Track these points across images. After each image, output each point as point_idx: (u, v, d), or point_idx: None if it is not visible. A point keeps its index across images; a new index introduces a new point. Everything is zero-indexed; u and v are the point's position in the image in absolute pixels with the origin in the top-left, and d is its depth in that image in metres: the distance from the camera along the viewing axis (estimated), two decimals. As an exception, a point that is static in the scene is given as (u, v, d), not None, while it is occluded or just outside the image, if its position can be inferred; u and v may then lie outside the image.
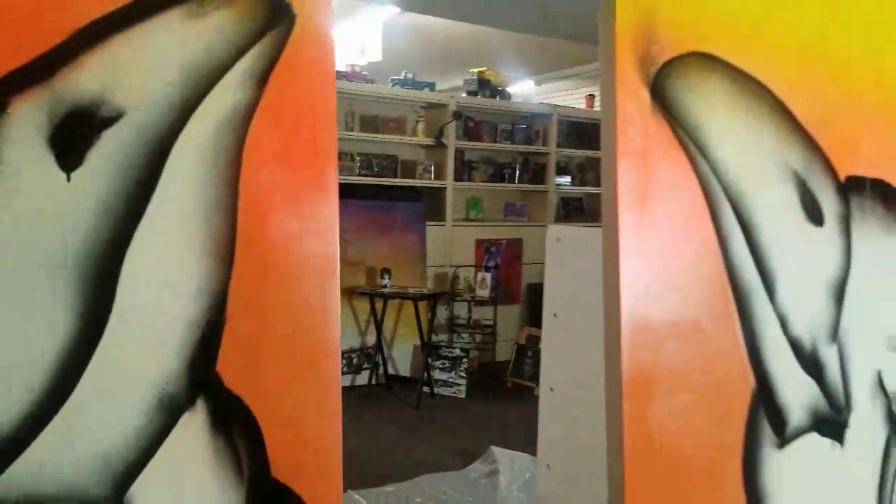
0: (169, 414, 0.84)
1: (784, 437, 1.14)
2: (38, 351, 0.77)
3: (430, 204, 5.40)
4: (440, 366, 4.85)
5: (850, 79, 1.24)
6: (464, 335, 5.26)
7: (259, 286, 0.91)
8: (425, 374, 4.71)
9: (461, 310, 5.32)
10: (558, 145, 6.09)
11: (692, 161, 1.01)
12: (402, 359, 5.06)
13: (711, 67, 1.04)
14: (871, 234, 1.31)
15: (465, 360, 4.89)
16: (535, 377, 4.02)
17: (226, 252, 0.88)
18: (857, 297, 1.27)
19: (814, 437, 1.19)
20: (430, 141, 5.37)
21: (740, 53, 1.07)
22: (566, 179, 6.36)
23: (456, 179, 5.54)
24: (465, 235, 5.56)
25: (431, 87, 5.65)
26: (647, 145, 0.95)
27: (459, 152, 5.61)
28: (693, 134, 1.01)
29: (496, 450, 3.56)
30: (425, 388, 4.69)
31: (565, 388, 1.40)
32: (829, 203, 1.23)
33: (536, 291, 5.73)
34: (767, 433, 1.11)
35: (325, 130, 0.97)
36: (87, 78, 0.79)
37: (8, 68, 0.76)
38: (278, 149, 0.93)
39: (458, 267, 5.38)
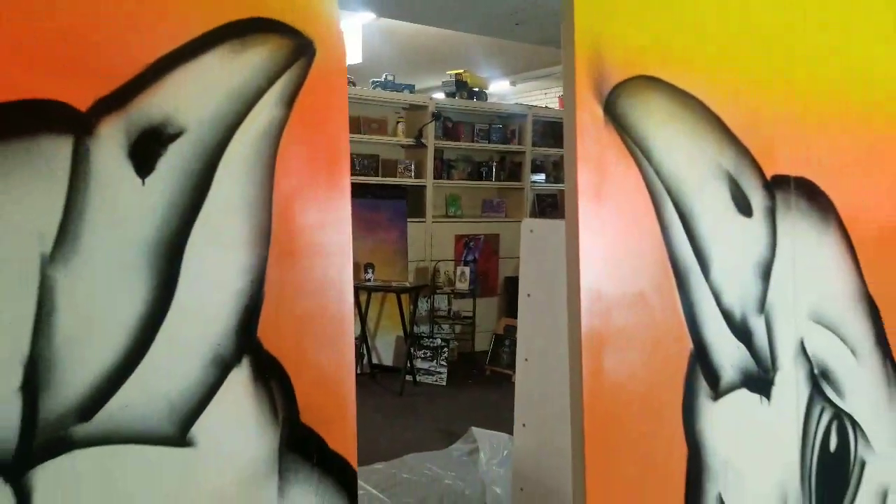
0: (221, 369, 1.06)
1: (718, 392, 1.38)
2: (124, 317, 0.98)
3: (410, 201, 5.62)
4: (422, 355, 5.08)
5: (771, 91, 1.48)
6: (444, 326, 5.49)
7: (289, 266, 1.12)
8: (408, 364, 4.93)
9: (441, 302, 5.55)
10: (533, 144, 6.34)
11: (638, 165, 1.24)
12: (385, 349, 5.28)
13: (654, 88, 1.28)
14: (794, 224, 1.56)
15: (445, 349, 5.12)
16: (513, 365, 4.26)
17: (263, 240, 1.10)
18: (782, 277, 1.52)
19: (744, 393, 1.43)
20: (410, 141, 5.59)
21: (678, 75, 1.31)
22: (541, 177, 6.61)
23: (435, 178, 5.76)
24: (445, 231, 5.79)
25: (411, 88, 5.86)
26: (600, 153, 1.18)
27: (438, 151, 5.82)
28: (639, 143, 1.24)
29: (476, 430, 3.79)
30: (408, 377, 4.91)
31: (538, 355, 1.63)
32: (757, 198, 1.48)
33: (513, 284, 5.96)
34: (703, 387, 1.35)
35: (339, 141, 1.19)
36: (156, 103, 1.00)
37: (96, 97, 0.96)
38: (303, 156, 1.14)
39: (439, 261, 5.60)
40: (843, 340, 1.63)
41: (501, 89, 9.38)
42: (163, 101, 1.01)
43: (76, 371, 0.95)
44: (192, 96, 1.03)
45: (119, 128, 0.98)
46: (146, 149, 1.00)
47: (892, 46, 1.71)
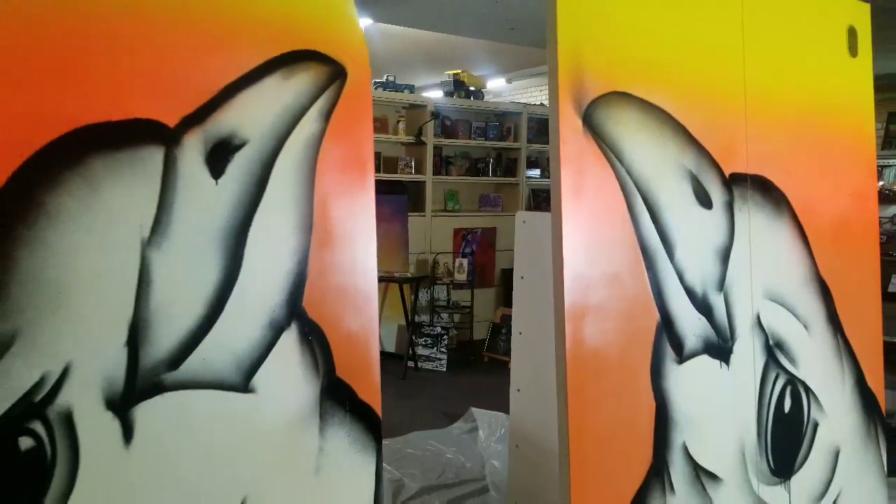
0: (275, 332, 1.32)
1: (682, 357, 1.64)
2: (203, 289, 1.23)
3: (411, 196, 5.87)
4: (423, 343, 5.34)
5: (726, 100, 1.74)
6: (444, 315, 5.75)
7: (326, 250, 1.38)
8: (410, 350, 5.19)
9: (441, 292, 5.80)
10: (528, 141, 6.59)
11: (612, 166, 1.50)
12: (388, 336, 5.54)
13: (625, 101, 1.54)
14: (750, 215, 1.82)
15: (445, 337, 5.38)
16: (509, 352, 4.52)
17: (307, 229, 1.35)
18: (739, 260, 1.78)
19: (705, 358, 1.70)
20: (410, 139, 5.83)
21: (645, 90, 1.57)
22: (536, 172, 6.86)
23: (434, 174, 6.01)
24: (444, 225, 6.04)
25: (411, 88, 6.11)
26: (580, 157, 1.44)
27: (437, 149, 6.07)
28: (612, 147, 1.50)
29: (475, 410, 4.06)
30: (410, 363, 5.18)
31: (529, 329, 1.89)
32: (716, 192, 1.74)
33: (510, 276, 6.21)
34: (669, 353, 1.61)
35: (365, 147, 1.45)
36: (226, 119, 1.26)
37: (181, 116, 1.22)
38: (337, 160, 1.40)
39: (438, 254, 5.86)
40: (796, 316, 1.89)
41: (497, 86, 9.61)
42: (231, 118, 1.26)
43: (167, 331, 1.21)
44: (253, 114, 1.29)
45: (198, 139, 1.24)
46: (218, 156, 1.26)
47: (824, 55, 1.98)
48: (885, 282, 4.50)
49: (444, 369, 5.29)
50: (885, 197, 5.94)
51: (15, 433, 1.11)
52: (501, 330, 5.56)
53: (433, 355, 5.33)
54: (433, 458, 3.55)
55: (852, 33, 2.06)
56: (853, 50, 2.06)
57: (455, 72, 6.26)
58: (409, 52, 7.45)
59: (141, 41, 1.21)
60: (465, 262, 5.80)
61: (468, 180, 6.41)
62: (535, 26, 4.54)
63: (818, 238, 1.92)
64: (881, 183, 6.17)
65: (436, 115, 5.85)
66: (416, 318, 5.44)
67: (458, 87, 6.21)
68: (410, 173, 5.89)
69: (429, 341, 5.34)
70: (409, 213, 5.74)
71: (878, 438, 2.06)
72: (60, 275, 1.13)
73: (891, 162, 6.32)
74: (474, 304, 5.86)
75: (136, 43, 1.19)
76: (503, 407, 3.21)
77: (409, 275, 5.43)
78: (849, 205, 2.00)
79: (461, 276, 5.75)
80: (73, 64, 1.14)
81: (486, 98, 6.89)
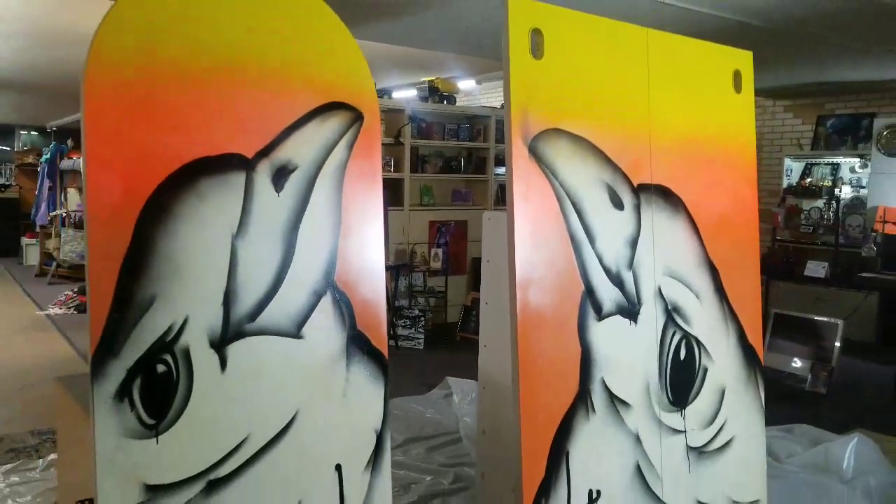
0: (317, 297, 1.92)
1: (601, 316, 2.28)
2: (270, 268, 1.83)
3: (390, 192, 6.46)
4: (403, 324, 5.94)
5: (634, 130, 2.37)
6: (421, 300, 6.36)
7: (350, 241, 1.98)
8: (391, 331, 5.80)
9: (418, 279, 6.41)
10: (496, 141, 7.21)
11: (549, 181, 2.13)
12: (372, 319, 6.10)
13: (558, 135, 2.16)
14: (653, 214, 2.45)
15: (422, 319, 6.00)
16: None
17: (337, 226, 1.96)
18: (644, 246, 2.41)
19: (618, 318, 2.33)
20: (389, 140, 6.42)
21: (573, 126, 2.19)
22: (503, 170, 7.49)
23: (412, 171, 6.61)
24: (420, 218, 6.65)
25: (389, 94, 6.68)
26: (527, 174, 2.06)
27: (414, 148, 6.67)
28: (549, 168, 2.13)
29: (450, 379, 4.69)
30: (391, 342, 5.79)
31: (493, 298, 2.51)
32: (627, 198, 2.37)
33: (480, 264, 6.84)
34: (591, 313, 2.25)
35: (376, 168, 2.05)
36: (285, 151, 1.86)
37: (255, 150, 1.81)
38: (357, 177, 2.00)
39: (415, 244, 6.46)
40: (689, 288, 2.54)
41: (468, 87, 10.21)
42: (288, 151, 1.86)
43: (247, 296, 1.81)
44: (302, 147, 1.89)
45: (267, 166, 1.83)
46: (279, 177, 1.85)
47: (715, 92, 2.62)
48: (803, 267, 5.23)
49: (422, 347, 5.91)
50: (814, 192, 6.68)
51: (154, 362, 1.70)
52: (472, 312, 6.19)
53: (412, 335, 5.94)
54: (415, 417, 4.17)
55: (737, 75, 2.71)
56: (738, 88, 2.71)
57: (430, 79, 6.86)
58: (383, 56, 8.01)
59: (232, 100, 1.80)
60: (439, 251, 6.42)
61: (442, 177, 7.01)
62: (500, 47, 5.14)
63: (707, 230, 2.57)
64: (809, 179, 6.92)
65: (412, 118, 6.44)
66: (396, 303, 6.04)
67: (432, 92, 6.81)
68: (390, 171, 6.48)
69: (408, 322, 5.95)
70: (389, 208, 6.33)
71: (758, 381, 2.73)
72: (182, 257, 1.72)
73: (818, 161, 7.07)
74: (448, 290, 6.48)
75: (229, 101, 1.79)
76: (474, 377, 3.81)
77: (390, 263, 6.02)
78: (732, 206, 2.65)
79: (436, 265, 6.37)
80: (189, 117, 1.74)
81: (457, 100, 7.49)
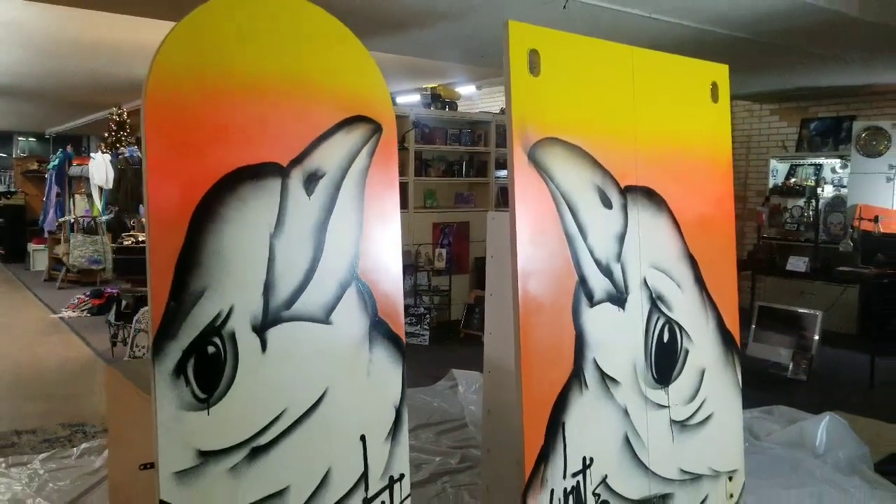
0: (343, 288, 2.19)
1: (592, 303, 2.55)
2: (303, 262, 2.10)
3: (395, 195, 6.70)
4: (409, 321, 6.21)
5: (622, 139, 2.65)
6: (425, 298, 6.64)
7: (371, 237, 2.26)
8: (397, 328, 6.05)
9: (423, 278, 6.69)
10: (497, 145, 7.49)
11: (546, 184, 2.40)
12: (378, 316, 6.37)
13: (554, 143, 2.44)
14: (639, 212, 2.73)
15: (427, 316, 6.27)
16: (482, 328, 5.43)
17: (360, 224, 2.23)
18: (631, 241, 2.69)
19: (608, 304, 2.60)
20: (393, 145, 6.67)
21: (567, 136, 2.47)
22: (503, 173, 7.77)
23: (416, 175, 6.88)
24: (424, 220, 6.92)
25: (394, 101, 6.95)
26: (526, 178, 2.34)
27: (418, 153, 6.94)
28: (546, 172, 2.40)
29: (455, 371, 4.96)
30: (397, 338, 6.04)
31: (497, 289, 2.78)
32: (615, 198, 2.65)
33: (482, 263, 7.12)
34: (584, 300, 2.52)
35: (393, 174, 2.33)
36: (315, 159, 2.13)
37: (289, 159, 2.09)
38: (377, 182, 2.28)
39: (420, 245, 6.74)
40: (672, 278, 2.82)
41: (469, 92, 10.50)
42: (318, 159, 2.14)
43: (283, 287, 2.08)
44: (330, 156, 2.16)
45: (299, 173, 2.11)
46: (310, 182, 2.13)
47: (694, 102, 2.90)
48: (786, 262, 5.52)
49: (427, 343, 6.19)
50: (798, 191, 6.96)
51: (205, 344, 1.97)
52: (475, 309, 6.46)
53: (417, 332, 6.21)
54: (423, 406, 4.44)
55: (714, 87, 2.99)
56: (715, 98, 2.99)
57: (432, 86, 7.13)
58: (389, 63, 8.29)
59: (269, 115, 2.07)
60: (443, 251, 6.69)
61: (445, 181, 7.29)
62: (502, 55, 5.43)
63: (687, 227, 2.84)
64: (794, 179, 7.21)
65: (416, 124, 6.72)
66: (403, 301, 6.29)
67: (434, 99, 7.09)
68: (394, 175, 6.73)
69: (413, 320, 6.23)
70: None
71: (735, 363, 3.00)
72: (228, 254, 1.99)
73: (802, 162, 7.36)
74: (452, 288, 6.75)
75: (267, 116, 2.06)
76: (478, 369, 4.07)
77: (395, 263, 6.27)
78: (710, 205, 2.93)
79: (440, 264, 6.64)
80: (232, 131, 2.01)
81: (458, 105, 7.77)
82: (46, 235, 10.14)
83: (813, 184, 7.10)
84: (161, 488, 1.87)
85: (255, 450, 2.03)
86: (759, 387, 4.60)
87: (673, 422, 2.77)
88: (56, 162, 9.97)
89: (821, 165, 7.27)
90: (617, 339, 2.63)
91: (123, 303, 5.94)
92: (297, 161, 2.12)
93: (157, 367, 1.89)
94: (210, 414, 1.96)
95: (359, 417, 2.23)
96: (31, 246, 11.08)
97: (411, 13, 4.34)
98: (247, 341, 2.02)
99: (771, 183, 7.46)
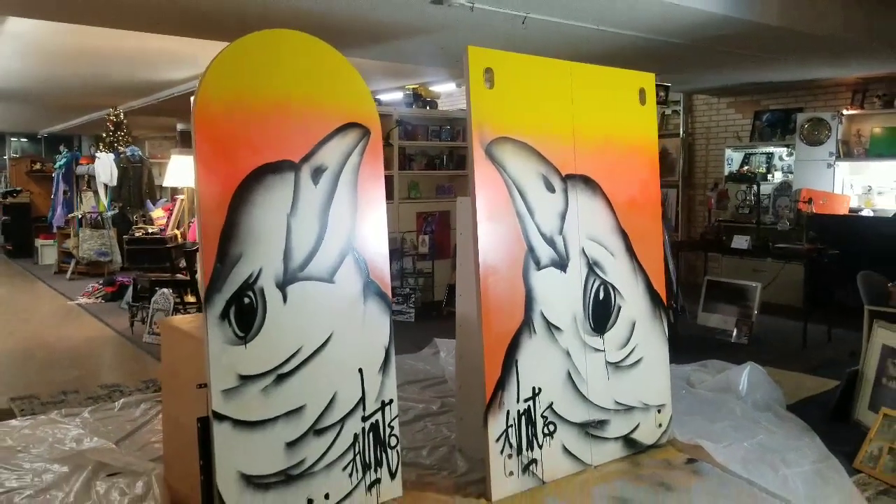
0: (342, 256, 2.85)
1: (539, 267, 3.23)
2: (311, 238, 2.77)
3: (382, 187, 7.35)
4: (396, 301, 6.86)
5: (562, 136, 3.32)
6: (410, 280, 7.30)
7: (363, 219, 2.92)
8: (386, 306, 6.71)
9: (408, 263, 7.34)
10: (474, 140, 8.12)
11: (500, 174, 3.08)
12: (369, 296, 7.03)
13: (506, 141, 3.11)
14: (577, 195, 3.41)
15: (412, 297, 6.93)
16: (463, 305, 6.11)
17: (354, 208, 2.90)
18: (571, 218, 3.37)
19: (552, 269, 3.28)
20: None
21: (517, 134, 3.14)
22: (482, 165, 8.41)
23: (400, 168, 7.51)
24: (409, 209, 7.56)
25: (379, 101, 7.59)
26: (484, 170, 3.00)
27: (402, 149, 7.58)
28: (500, 164, 3.08)
29: (437, 340, 5.62)
30: (387, 316, 6.70)
31: (464, 260, 3.46)
32: (557, 184, 3.32)
33: (462, 249, 7.79)
34: (532, 265, 3.20)
35: (379, 168, 2.99)
36: (319, 157, 2.79)
37: (300, 157, 2.75)
38: (368, 175, 2.94)
39: (405, 232, 7.39)
40: (606, 248, 3.50)
41: (448, 89, 11.13)
42: (322, 156, 2.80)
43: (298, 254, 2.74)
44: (331, 154, 2.83)
45: (308, 167, 2.77)
46: (316, 175, 2.79)
47: (625, 105, 3.58)
48: (730, 240, 6.22)
49: (413, 320, 6.85)
50: (749, 178, 7.67)
51: (242, 296, 2.63)
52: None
53: (403, 310, 6.88)
54: (409, 368, 5.11)
55: (642, 92, 3.67)
56: (642, 101, 3.67)
57: (414, 86, 7.78)
58: (376, 66, 8.90)
59: (285, 124, 2.73)
60: (426, 238, 7.35)
61: (427, 173, 7.93)
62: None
63: (619, 207, 3.52)
64: (747, 167, 7.92)
65: (400, 122, 7.37)
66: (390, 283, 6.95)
67: (416, 98, 7.73)
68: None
69: (400, 299, 6.89)
70: (381, 201, 7.22)
71: (661, 317, 3.69)
72: (257, 229, 2.65)
73: (754, 150, 8.07)
74: (434, 272, 7.41)
75: (283, 125, 2.72)
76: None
77: (384, 249, 6.92)
78: (638, 189, 3.61)
79: (424, 250, 7.30)
80: (258, 137, 2.67)
81: (439, 104, 8.42)
82: (55, 231, 10.72)
83: (764, 171, 7.82)
84: (213, 401, 2.53)
85: (280, 376, 2.70)
86: (707, 351, 5.30)
87: (608, 363, 3.45)
88: (63, 161, 10.54)
89: (771, 154, 7.98)
90: (560, 296, 3.31)
91: (139, 286, 6.57)
92: (306, 158, 2.78)
93: (208, 312, 2.55)
94: (247, 348, 2.62)
95: (357, 354, 2.90)
96: (39, 241, 11.65)
97: (392, 29, 4.99)
98: (272, 295, 2.68)
99: (726, 170, 8.17)
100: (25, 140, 19.59)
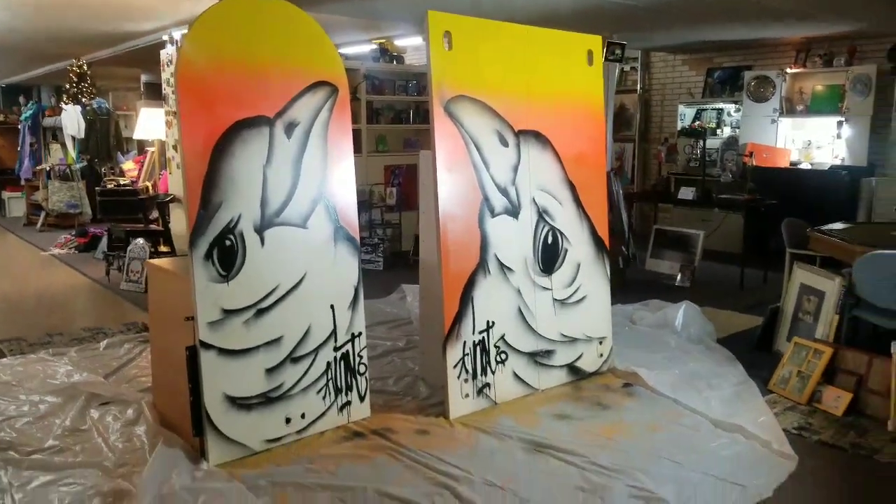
0: (314, 204, 3.16)
1: (493, 215, 3.57)
2: (286, 185, 3.07)
3: (350, 140, 7.59)
4: (365, 251, 7.18)
5: (516, 94, 3.63)
6: (379, 231, 7.61)
7: (332, 167, 3.22)
8: (355, 255, 7.03)
9: (377, 214, 7.64)
10: (440, 95, 8.36)
11: (458, 129, 3.39)
12: (339, 246, 7.34)
13: (464, 99, 3.41)
14: (529, 149, 3.74)
15: (381, 246, 7.25)
16: (428, 254, 6.46)
17: (325, 159, 3.19)
18: (523, 170, 3.71)
19: (505, 216, 3.62)
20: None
21: (474, 92, 3.45)
22: (447, 119, 8.67)
23: (368, 122, 7.74)
24: (377, 163, 7.83)
25: (345, 57, 7.75)
26: (443, 126, 3.31)
27: (369, 103, 7.79)
28: (458, 120, 3.38)
29: (404, 285, 5.98)
30: (356, 264, 7.03)
31: (427, 208, 3.79)
32: (510, 138, 3.65)
33: (428, 201, 8.10)
34: (487, 213, 3.54)
35: (347, 122, 3.28)
36: (292, 113, 3.07)
37: (275, 112, 3.03)
38: (336, 129, 3.23)
39: (373, 185, 7.66)
40: (555, 198, 3.85)
41: (415, 43, 11.27)
42: (294, 112, 3.08)
43: (274, 202, 3.04)
44: (303, 109, 3.10)
45: (282, 122, 3.05)
46: (289, 129, 3.07)
47: (573, 66, 3.90)
48: (677, 191, 6.63)
49: (381, 269, 7.18)
50: (699, 133, 8.06)
51: (224, 239, 2.93)
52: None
53: (372, 259, 7.20)
54: (378, 311, 5.46)
55: (590, 53, 3.99)
56: (590, 62, 3.99)
57: (380, 41, 7.96)
58: (344, 21, 9.00)
59: (262, 81, 2.99)
60: (393, 190, 7.64)
61: (394, 127, 8.17)
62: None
63: (567, 160, 3.87)
64: (698, 122, 8.31)
65: (367, 76, 7.57)
66: (360, 234, 7.25)
67: (383, 53, 7.92)
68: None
69: (369, 249, 7.21)
70: (349, 154, 7.47)
71: (604, 260, 4.08)
72: (236, 178, 2.94)
73: (706, 107, 8.45)
74: (402, 223, 7.72)
75: (261, 83, 2.99)
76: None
77: (352, 200, 7.20)
78: (585, 144, 3.95)
79: (391, 202, 7.59)
80: (237, 93, 2.93)
81: (406, 58, 8.60)
82: (23, 183, 10.76)
83: (714, 126, 8.22)
84: (200, 332, 2.85)
85: (260, 310, 3.02)
86: (654, 293, 5.74)
87: (555, 300, 3.84)
88: (30, 113, 10.53)
89: (721, 110, 8.38)
90: (512, 240, 3.66)
91: (114, 237, 6.79)
92: (279, 114, 3.05)
93: (193, 253, 2.85)
94: (229, 285, 2.93)
95: (329, 292, 3.23)
96: (6, 193, 11.67)
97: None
98: (251, 238, 2.99)
99: (679, 126, 8.56)
100: (-17, 89, 19.20)
